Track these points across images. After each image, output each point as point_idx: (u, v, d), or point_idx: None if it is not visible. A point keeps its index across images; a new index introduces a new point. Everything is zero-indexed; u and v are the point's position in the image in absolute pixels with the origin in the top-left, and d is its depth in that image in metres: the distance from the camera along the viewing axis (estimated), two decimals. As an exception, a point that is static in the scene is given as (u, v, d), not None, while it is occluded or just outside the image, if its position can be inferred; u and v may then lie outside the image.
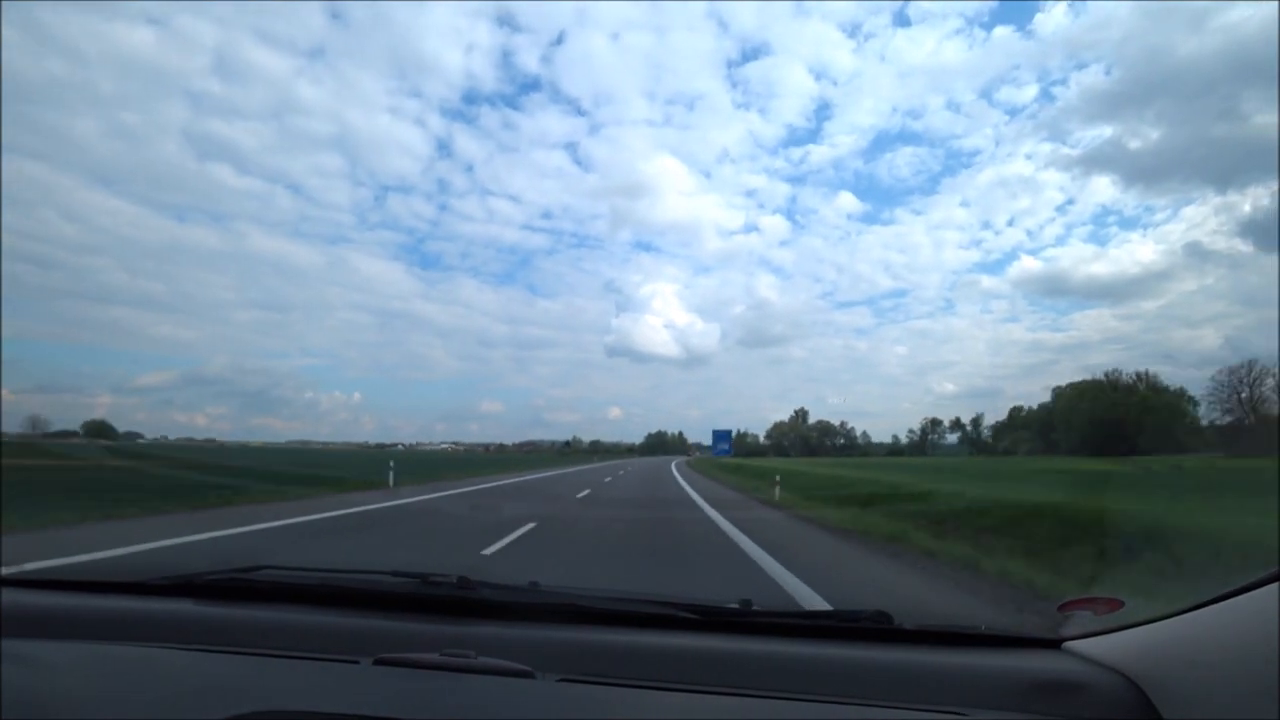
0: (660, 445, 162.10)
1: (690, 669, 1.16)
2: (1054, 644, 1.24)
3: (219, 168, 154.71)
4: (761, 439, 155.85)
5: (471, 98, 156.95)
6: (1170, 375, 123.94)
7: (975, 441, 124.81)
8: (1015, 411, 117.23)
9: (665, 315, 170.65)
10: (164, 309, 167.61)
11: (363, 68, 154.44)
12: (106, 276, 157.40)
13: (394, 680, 1.09)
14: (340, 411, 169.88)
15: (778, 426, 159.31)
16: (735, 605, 1.39)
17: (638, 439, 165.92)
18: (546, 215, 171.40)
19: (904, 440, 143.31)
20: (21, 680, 1.03)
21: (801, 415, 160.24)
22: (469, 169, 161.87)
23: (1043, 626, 1.37)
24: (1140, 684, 1.01)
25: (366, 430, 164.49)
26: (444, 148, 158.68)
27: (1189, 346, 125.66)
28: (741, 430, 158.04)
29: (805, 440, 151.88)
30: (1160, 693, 0.98)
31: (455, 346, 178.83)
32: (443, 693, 1.06)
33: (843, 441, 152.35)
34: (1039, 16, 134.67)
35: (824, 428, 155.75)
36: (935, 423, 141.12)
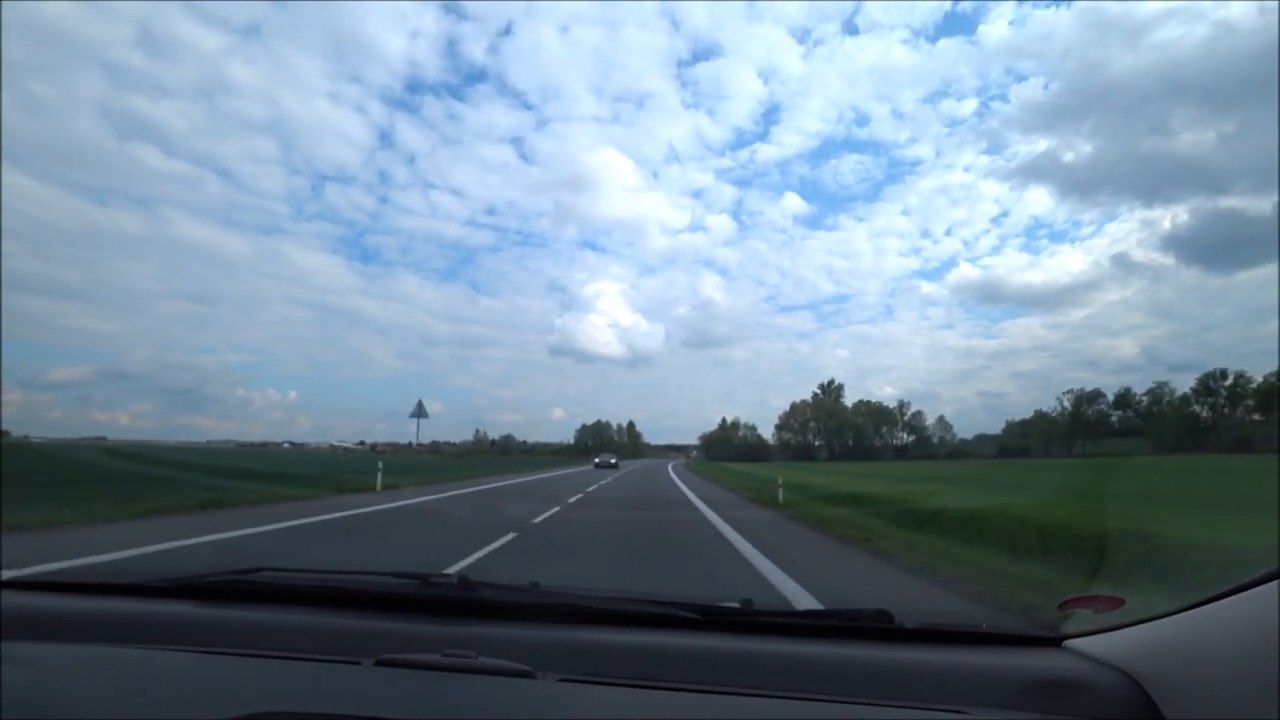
0: (602, 444, 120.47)
1: (691, 669, 1.16)
2: (1055, 642, 1.25)
3: (142, 148, 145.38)
4: (765, 434, 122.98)
5: (415, 86, 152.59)
6: (1092, 382, 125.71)
7: (1162, 430, 76.99)
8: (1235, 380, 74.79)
9: (610, 315, 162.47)
10: (80, 298, 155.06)
11: (300, 49, 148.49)
12: (14, 262, 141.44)
13: (395, 681, 1.09)
14: (274, 410, 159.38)
15: (796, 411, 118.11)
16: (736, 605, 1.40)
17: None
18: (491, 211, 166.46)
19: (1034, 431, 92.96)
20: (23, 682, 1.03)
21: (832, 393, 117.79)
22: (411, 160, 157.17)
23: (1044, 624, 1.37)
24: (1141, 682, 1.02)
25: (303, 430, 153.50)
26: (385, 137, 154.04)
27: (1108, 355, 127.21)
28: (729, 419, 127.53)
29: (842, 433, 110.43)
30: (1162, 690, 0.99)
31: (396, 344, 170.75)
32: (444, 693, 1.06)
33: (907, 437, 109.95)
34: (982, 28, 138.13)
35: (875, 412, 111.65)
36: (1091, 398, 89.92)
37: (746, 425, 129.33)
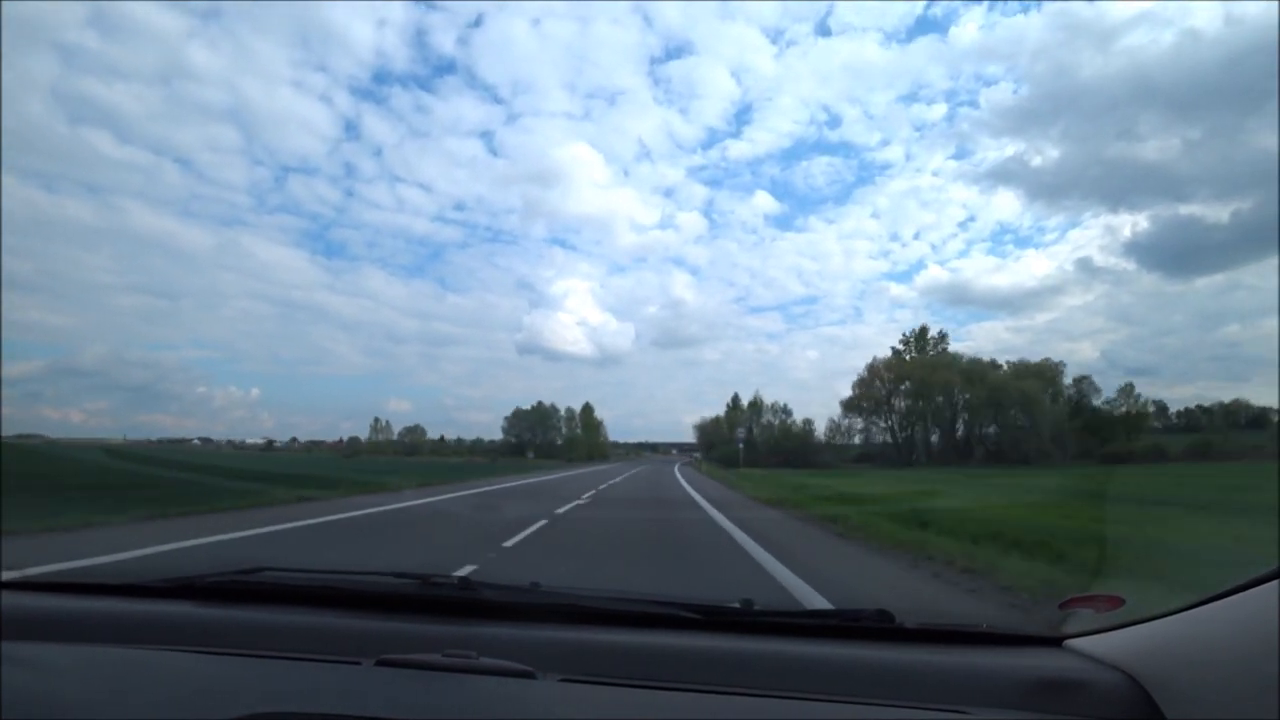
0: (553, 443, 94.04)
1: (692, 669, 1.16)
2: (1055, 642, 1.26)
3: (96, 134, 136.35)
4: (802, 419, 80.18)
5: (382, 77, 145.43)
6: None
7: None
8: None
9: (578, 313, 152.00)
10: (30, 290, 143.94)
11: (263, 34, 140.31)
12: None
13: (396, 681, 1.09)
14: (236, 408, 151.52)
15: (875, 374, 71.40)
16: (737, 605, 1.40)
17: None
18: (459, 207, 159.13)
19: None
20: (23, 683, 1.03)
21: (930, 346, 72.50)
22: (378, 153, 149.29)
23: (1044, 624, 1.38)
24: (1142, 681, 1.02)
25: (265, 428, 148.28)
26: (351, 128, 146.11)
27: (1069, 358, 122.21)
28: (747, 399, 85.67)
29: (944, 413, 64.28)
30: (1162, 690, 0.99)
31: (362, 341, 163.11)
32: (445, 693, 1.06)
33: (1069, 419, 60.25)
34: (953, 30, 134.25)
35: (1032, 374, 62.40)
36: None
37: (776, 408, 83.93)
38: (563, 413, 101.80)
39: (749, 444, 68.14)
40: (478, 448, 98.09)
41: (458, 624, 1.32)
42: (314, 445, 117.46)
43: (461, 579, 1.45)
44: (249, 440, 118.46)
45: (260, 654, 1.21)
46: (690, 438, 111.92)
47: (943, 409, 67.94)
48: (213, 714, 0.90)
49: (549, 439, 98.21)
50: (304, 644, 1.25)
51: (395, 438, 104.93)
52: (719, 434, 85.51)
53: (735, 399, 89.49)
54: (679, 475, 34.05)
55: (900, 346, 77.29)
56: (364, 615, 1.37)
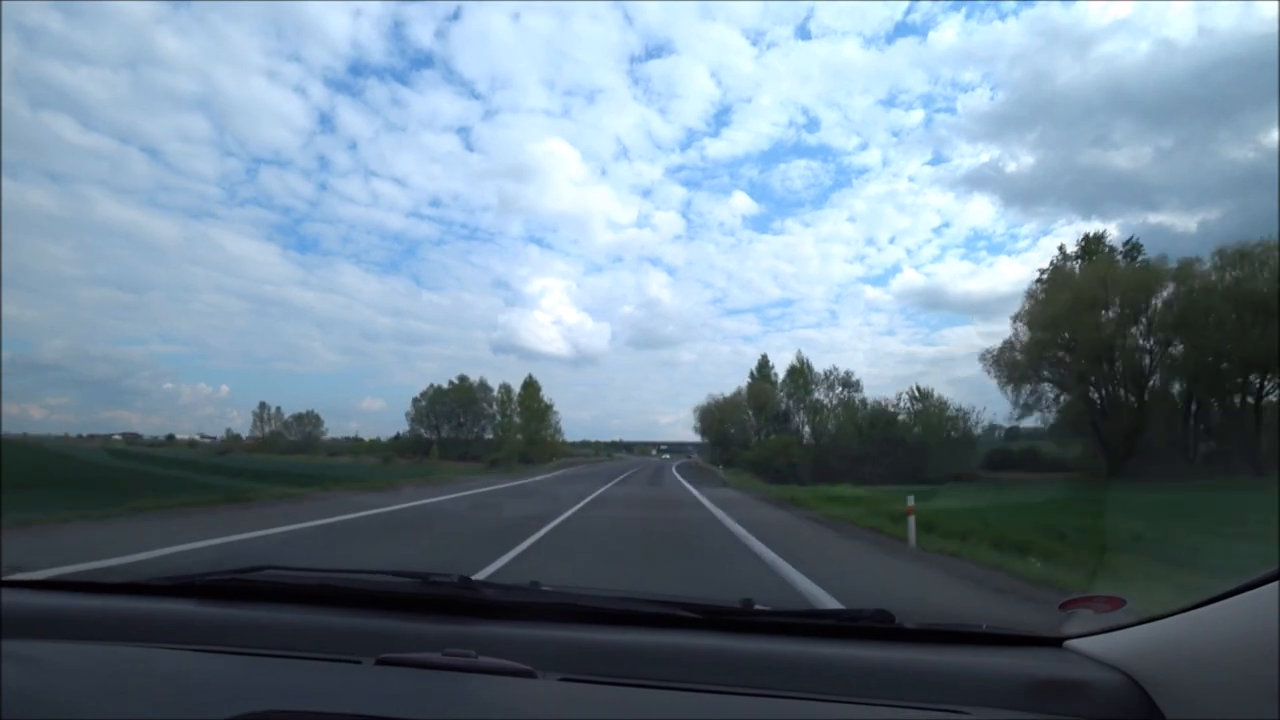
0: (480, 437, 67.83)
1: (692, 668, 1.16)
2: (1056, 642, 1.25)
3: (58, 119, 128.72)
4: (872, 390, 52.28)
5: (358, 69, 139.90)
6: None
7: None
8: None
9: (554, 313, 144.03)
10: None
11: (235, 21, 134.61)
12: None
13: (396, 680, 1.09)
14: (205, 405, 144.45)
15: (1051, 307, 33.71)
16: (737, 604, 1.40)
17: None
18: (435, 203, 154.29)
19: None
20: (23, 681, 1.03)
21: (1111, 252, 39.06)
22: (352, 146, 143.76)
23: (1044, 625, 1.37)
24: (1142, 682, 1.02)
25: (237, 425, 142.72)
26: (326, 121, 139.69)
27: None
28: (779, 366, 57.02)
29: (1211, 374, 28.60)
30: (1162, 691, 0.99)
31: (335, 339, 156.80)
32: (444, 692, 1.06)
33: None
34: (932, 34, 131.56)
35: None
36: None
37: (834, 377, 54.47)
38: (496, 393, 68.67)
39: (798, 442, 46.70)
40: (360, 447, 73.92)
41: (457, 623, 1.32)
42: (212, 439, 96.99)
43: (462, 578, 1.45)
44: (169, 436, 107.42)
45: (260, 652, 1.21)
46: (669, 436, 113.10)
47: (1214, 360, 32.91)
48: (213, 712, 0.90)
49: (475, 431, 69.96)
50: (304, 643, 1.25)
51: (282, 428, 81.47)
52: (738, 422, 57.30)
53: (764, 363, 58.58)
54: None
55: (1052, 265, 42.50)
56: (364, 614, 1.37)
